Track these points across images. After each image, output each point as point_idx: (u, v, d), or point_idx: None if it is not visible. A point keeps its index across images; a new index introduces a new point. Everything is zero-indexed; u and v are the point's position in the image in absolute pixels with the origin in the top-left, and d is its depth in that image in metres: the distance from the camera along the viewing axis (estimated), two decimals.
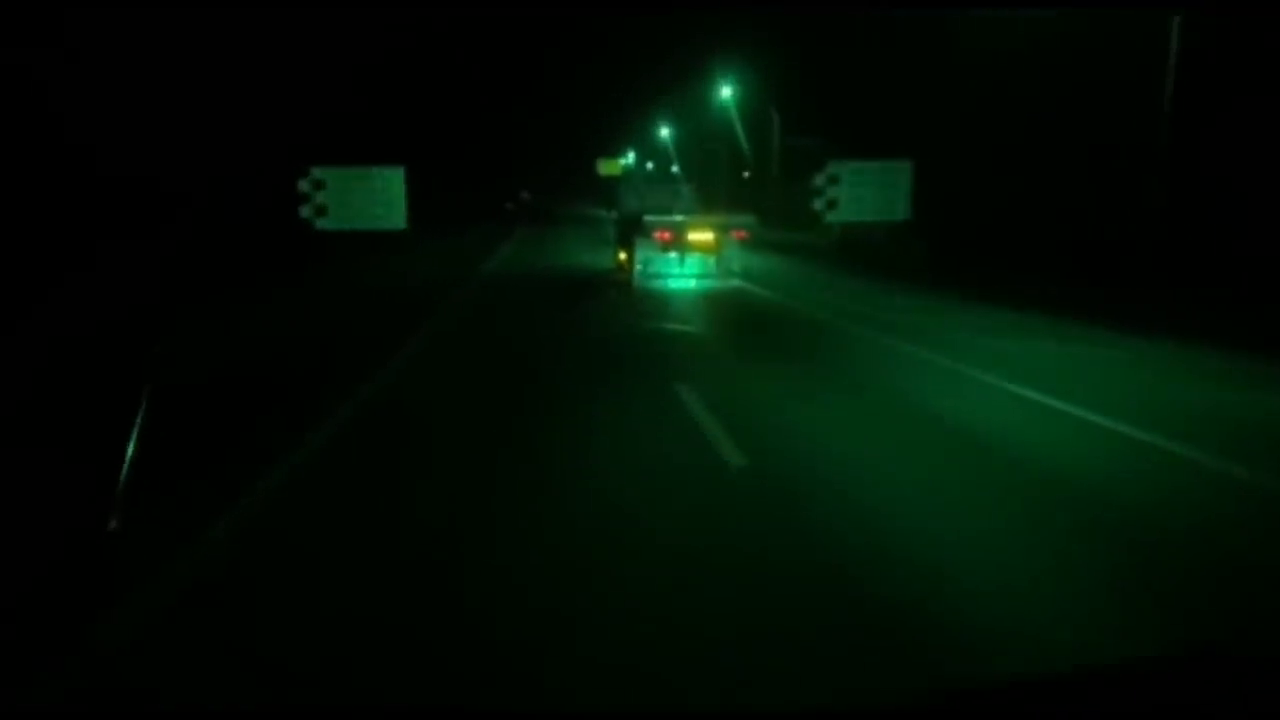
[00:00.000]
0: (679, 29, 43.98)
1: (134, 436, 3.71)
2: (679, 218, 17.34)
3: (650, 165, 35.02)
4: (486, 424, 6.72)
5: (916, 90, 24.50)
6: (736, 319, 13.28)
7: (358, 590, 3.78)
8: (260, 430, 6.33)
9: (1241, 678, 1.34)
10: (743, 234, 17.20)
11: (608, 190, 23.36)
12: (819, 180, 16.96)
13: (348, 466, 5.70)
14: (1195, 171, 14.53)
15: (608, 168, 26.56)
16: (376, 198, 16.24)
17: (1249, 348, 9.63)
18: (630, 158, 36.53)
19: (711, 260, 16.99)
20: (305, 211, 15.95)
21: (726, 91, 36.04)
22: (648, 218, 17.20)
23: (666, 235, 16.85)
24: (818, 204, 17.04)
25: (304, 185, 15.86)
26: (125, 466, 3.70)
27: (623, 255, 18.13)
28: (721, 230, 17.00)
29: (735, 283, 16.64)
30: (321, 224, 16.18)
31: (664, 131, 42.58)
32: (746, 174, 33.97)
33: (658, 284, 16.60)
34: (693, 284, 16.64)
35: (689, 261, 16.94)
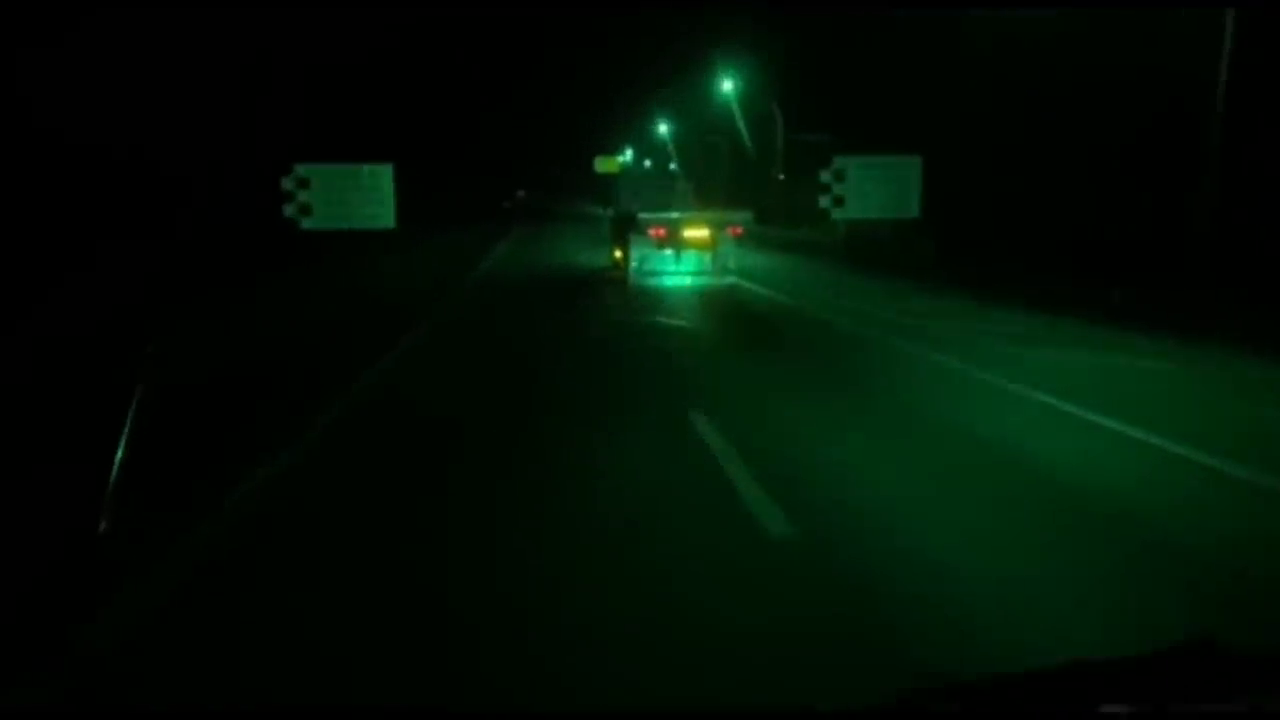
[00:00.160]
0: (679, 27, 43.35)
1: (124, 438, 3.42)
2: (674, 215, 16.99)
3: (648, 163, 34.44)
4: (485, 439, 6.31)
5: (922, 86, 23.91)
6: (736, 316, 12.85)
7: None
8: (259, 423, 6.26)
9: (1238, 672, 1.28)
10: (738, 230, 16.87)
11: (605, 188, 22.99)
12: (825, 176, 16.25)
13: (331, 481, 5.42)
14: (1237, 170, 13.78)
15: (605, 165, 26.42)
16: (364, 196, 15.43)
17: None
18: (628, 155, 36.04)
19: (707, 257, 16.66)
20: (289, 210, 15.10)
21: (728, 85, 35.39)
22: (643, 215, 16.93)
23: (662, 232, 16.55)
24: (824, 201, 16.31)
25: (287, 183, 14.96)
26: (115, 469, 3.40)
27: (618, 253, 17.96)
28: (717, 227, 16.68)
29: (731, 280, 16.32)
30: (307, 223, 15.36)
31: (662, 129, 42.05)
32: (751, 162, 33.20)
33: (653, 281, 16.40)
34: (688, 281, 16.36)
35: (684, 259, 16.62)
